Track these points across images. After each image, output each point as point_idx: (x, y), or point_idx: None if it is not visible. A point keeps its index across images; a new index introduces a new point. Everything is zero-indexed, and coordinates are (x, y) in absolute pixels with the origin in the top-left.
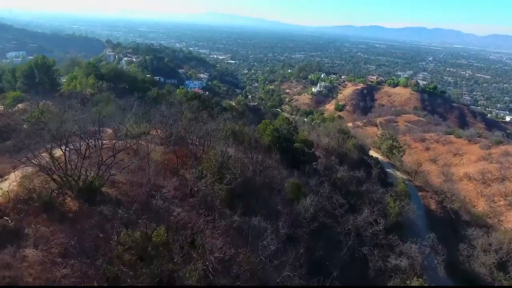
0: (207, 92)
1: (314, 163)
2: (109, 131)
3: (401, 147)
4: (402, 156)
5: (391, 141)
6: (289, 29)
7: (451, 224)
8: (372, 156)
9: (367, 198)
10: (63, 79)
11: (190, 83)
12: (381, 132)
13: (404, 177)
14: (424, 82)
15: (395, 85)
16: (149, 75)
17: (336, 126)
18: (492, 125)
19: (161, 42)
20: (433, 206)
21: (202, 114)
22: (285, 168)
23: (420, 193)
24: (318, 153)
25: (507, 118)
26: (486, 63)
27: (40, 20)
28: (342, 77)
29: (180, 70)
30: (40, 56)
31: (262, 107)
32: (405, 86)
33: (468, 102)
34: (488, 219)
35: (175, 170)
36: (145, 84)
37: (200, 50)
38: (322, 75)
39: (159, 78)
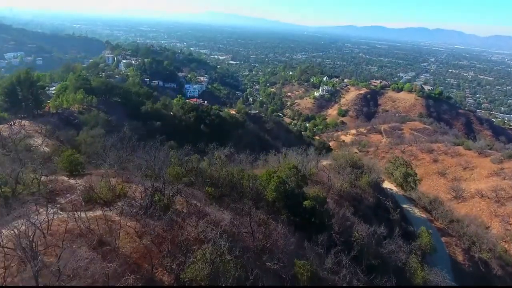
0: (205, 102)
1: (327, 222)
2: (74, 194)
3: (416, 175)
4: (417, 184)
5: (405, 168)
6: (290, 29)
7: (483, 281)
8: (387, 191)
9: (391, 269)
10: (53, 91)
11: (189, 87)
12: (393, 157)
13: (423, 215)
14: (429, 87)
15: (400, 90)
16: (147, 79)
17: (348, 158)
18: (499, 132)
19: (162, 41)
20: (459, 257)
21: (193, 158)
22: (293, 232)
23: (443, 239)
24: (329, 199)
25: None
26: (488, 65)
27: (41, 19)
28: (345, 80)
29: (180, 74)
30: (23, 71)
31: (263, 115)
32: (410, 91)
33: (472, 106)
34: (503, 243)
35: (148, 271)
36: (139, 97)
37: (201, 51)
38: (324, 79)
39: (158, 82)
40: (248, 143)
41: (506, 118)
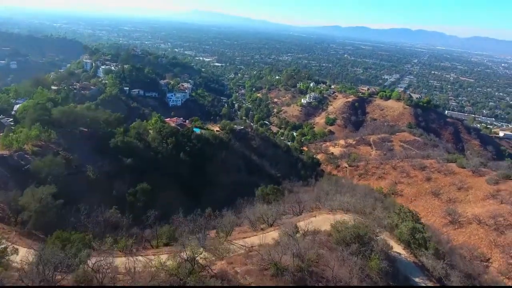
0: (186, 121)
1: None
2: None
3: (425, 231)
4: (428, 242)
5: (412, 222)
6: (276, 28)
7: None
8: (396, 264)
9: None
10: (16, 109)
11: (172, 96)
12: (397, 208)
13: None
14: (417, 96)
15: (388, 97)
16: (127, 87)
17: (353, 231)
18: (487, 141)
19: (146, 42)
20: None
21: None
22: None
23: None
24: None
25: (501, 134)
26: (469, 66)
27: (19, 17)
28: (332, 87)
29: (162, 82)
30: None
31: (249, 130)
32: (398, 99)
33: (455, 109)
34: (506, 280)
35: None
36: (109, 127)
37: (186, 52)
38: (311, 84)
39: (138, 91)
40: (233, 166)
41: (488, 122)
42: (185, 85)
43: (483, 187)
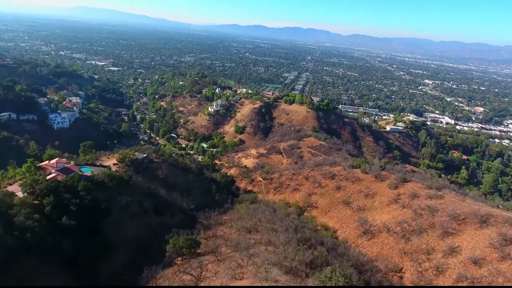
0: (73, 162)
1: None
2: None
3: None
4: None
5: (343, 278)
6: (176, 27)
7: None
8: None
9: None
10: None
11: (56, 117)
12: (329, 270)
13: None
14: (318, 99)
15: (292, 102)
16: None
17: None
18: (378, 136)
19: (21, 44)
20: None
21: None
22: None
23: None
24: None
25: (388, 128)
26: (352, 61)
27: None
28: (238, 91)
29: (42, 100)
30: None
31: (154, 156)
32: (301, 103)
33: (346, 102)
34: None
35: None
36: None
37: (74, 55)
38: (217, 90)
39: (9, 115)
40: (137, 210)
41: (374, 113)
42: (74, 100)
43: (385, 192)
